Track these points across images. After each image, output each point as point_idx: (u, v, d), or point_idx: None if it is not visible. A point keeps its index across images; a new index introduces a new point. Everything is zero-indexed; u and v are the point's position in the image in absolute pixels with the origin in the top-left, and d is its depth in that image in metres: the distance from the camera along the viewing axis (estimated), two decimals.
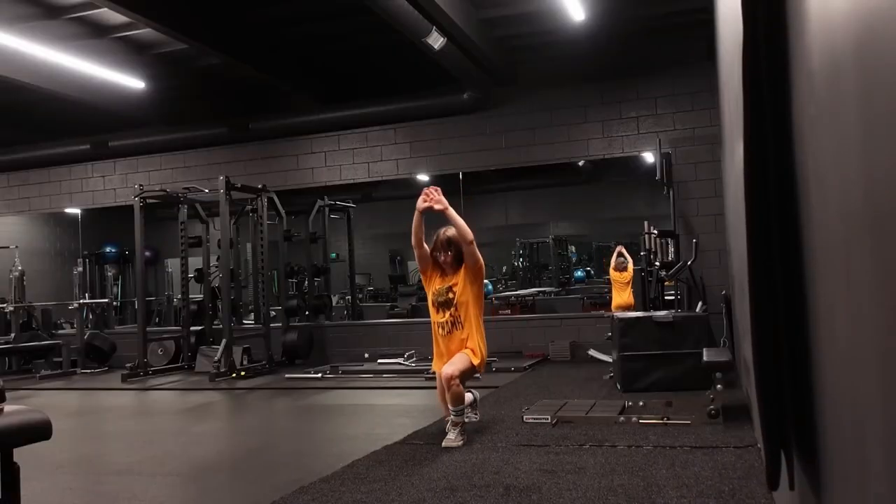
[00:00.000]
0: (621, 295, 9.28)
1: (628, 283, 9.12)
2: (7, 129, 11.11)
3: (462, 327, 4.50)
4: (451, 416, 4.44)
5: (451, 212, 4.47)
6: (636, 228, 9.44)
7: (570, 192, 13.32)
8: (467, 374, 4.48)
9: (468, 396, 4.67)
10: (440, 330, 4.55)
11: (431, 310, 4.60)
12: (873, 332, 1.04)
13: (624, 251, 9.49)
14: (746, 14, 1.76)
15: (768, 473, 1.92)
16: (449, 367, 4.42)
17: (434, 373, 4.74)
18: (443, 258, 4.56)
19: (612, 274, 9.51)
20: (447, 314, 4.52)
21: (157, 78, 9.08)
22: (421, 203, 4.44)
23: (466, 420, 4.60)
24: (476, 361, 4.47)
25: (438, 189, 4.48)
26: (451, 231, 4.52)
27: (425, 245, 4.55)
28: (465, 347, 4.50)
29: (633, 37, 8.61)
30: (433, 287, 4.59)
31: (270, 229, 9.66)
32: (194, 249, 10.16)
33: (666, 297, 7.87)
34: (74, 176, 11.46)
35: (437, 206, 4.43)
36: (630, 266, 9.26)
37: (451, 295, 4.51)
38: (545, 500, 3.14)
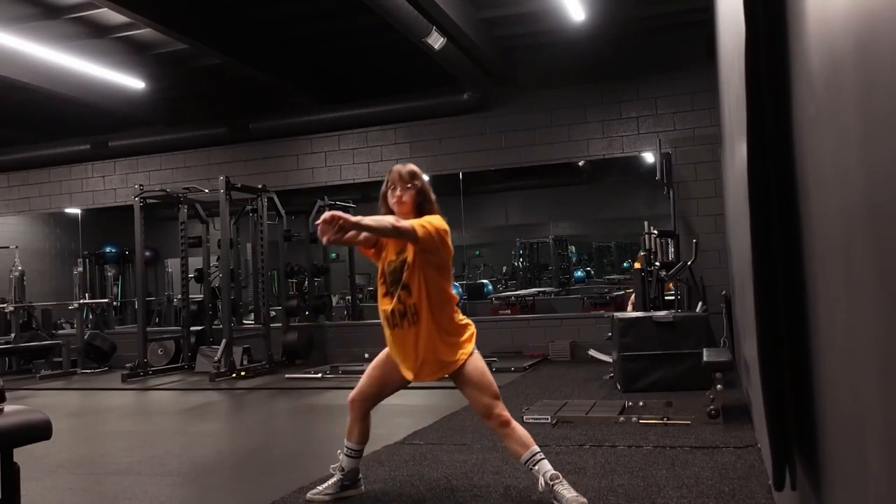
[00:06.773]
0: None
1: None
2: (7, 129, 11.11)
3: (417, 321, 3.12)
4: (535, 462, 3.03)
5: (364, 221, 2.89)
6: (636, 228, 9.45)
7: (570, 192, 13.31)
8: (491, 383, 3.13)
9: None
10: (385, 322, 3.25)
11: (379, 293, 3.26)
12: (873, 332, 1.04)
13: None
14: (748, 13, 1.76)
15: (774, 474, 1.92)
16: (482, 399, 3.10)
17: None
18: (399, 195, 3.13)
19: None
20: (394, 299, 3.14)
21: (157, 78, 9.08)
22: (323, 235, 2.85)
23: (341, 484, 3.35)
24: (467, 355, 3.14)
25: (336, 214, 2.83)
26: (411, 165, 3.23)
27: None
28: (439, 357, 3.15)
29: (633, 37, 8.61)
30: (385, 259, 3.21)
31: (270, 229, 9.66)
32: (194, 249, 10.16)
33: (666, 297, 7.87)
34: (74, 176, 11.46)
35: (341, 234, 2.88)
36: None
37: (403, 269, 3.10)
38: (545, 500, 3.14)
